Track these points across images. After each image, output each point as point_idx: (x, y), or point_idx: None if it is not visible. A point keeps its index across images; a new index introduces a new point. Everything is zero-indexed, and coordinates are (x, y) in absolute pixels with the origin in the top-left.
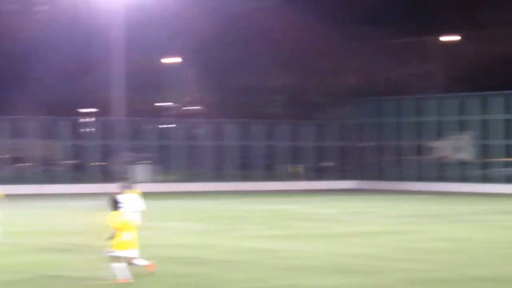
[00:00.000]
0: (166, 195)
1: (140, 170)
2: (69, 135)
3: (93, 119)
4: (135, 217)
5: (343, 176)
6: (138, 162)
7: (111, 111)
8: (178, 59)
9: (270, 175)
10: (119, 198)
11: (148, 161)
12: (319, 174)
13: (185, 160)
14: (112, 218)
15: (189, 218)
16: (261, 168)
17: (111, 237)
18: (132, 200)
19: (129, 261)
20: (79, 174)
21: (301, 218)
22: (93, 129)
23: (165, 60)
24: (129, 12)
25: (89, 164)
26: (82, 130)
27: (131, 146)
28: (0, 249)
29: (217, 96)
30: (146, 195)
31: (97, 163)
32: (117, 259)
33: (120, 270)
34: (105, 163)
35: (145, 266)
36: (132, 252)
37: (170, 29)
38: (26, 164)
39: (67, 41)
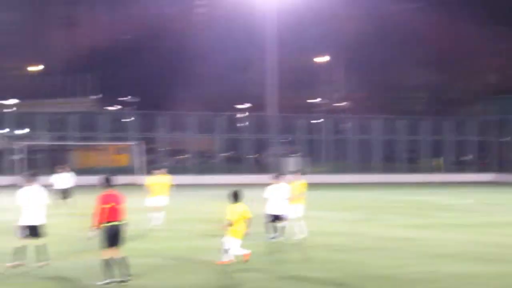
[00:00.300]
0: (315, 186)
1: (292, 162)
2: (225, 129)
3: (248, 114)
4: (284, 206)
5: (482, 169)
6: (289, 155)
7: (265, 106)
8: (327, 58)
9: (413, 167)
10: (239, 192)
11: (299, 154)
12: (459, 167)
13: (333, 153)
14: (230, 210)
15: (338, 207)
16: (405, 161)
17: (226, 228)
18: (281, 190)
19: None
20: (234, 165)
21: (441, 208)
22: (247, 124)
23: (316, 59)
24: (283, 13)
25: (244, 156)
26: (237, 124)
27: (283, 140)
28: (159, 235)
29: (364, 93)
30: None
31: (251, 156)
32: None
33: (237, 249)
34: (259, 156)
35: (242, 255)
36: (235, 242)
37: (321, 29)
38: (186, 156)
39: (225, 41)
